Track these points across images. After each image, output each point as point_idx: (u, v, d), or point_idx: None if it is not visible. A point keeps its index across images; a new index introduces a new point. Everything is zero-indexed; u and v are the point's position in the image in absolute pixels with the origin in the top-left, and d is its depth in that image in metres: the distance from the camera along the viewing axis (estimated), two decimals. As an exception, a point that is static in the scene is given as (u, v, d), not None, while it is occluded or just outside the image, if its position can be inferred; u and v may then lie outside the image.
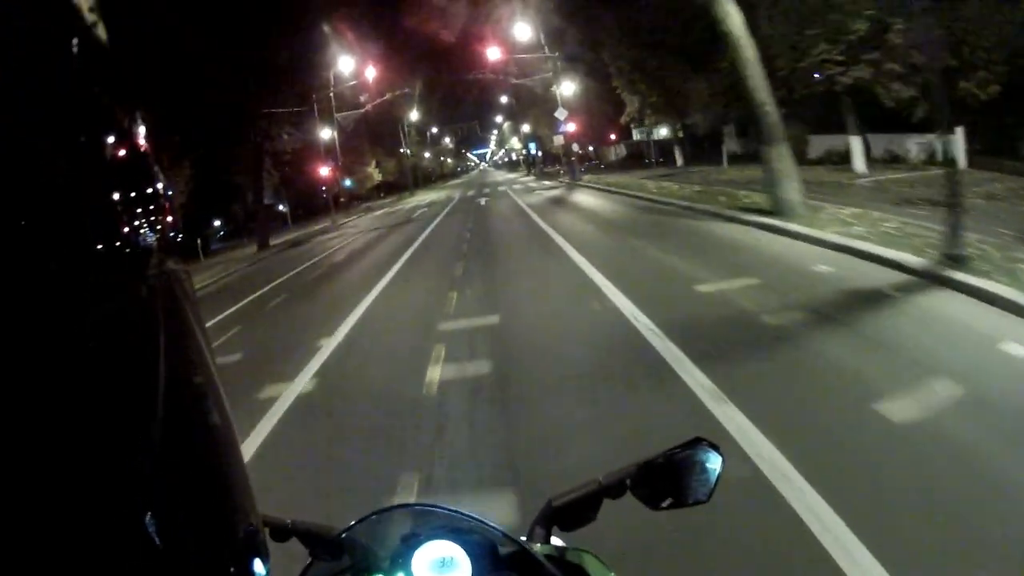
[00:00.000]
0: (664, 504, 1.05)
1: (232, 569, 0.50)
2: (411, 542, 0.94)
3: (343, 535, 1.00)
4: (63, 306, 0.40)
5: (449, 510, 0.98)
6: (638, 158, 49.79)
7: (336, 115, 39.82)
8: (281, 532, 1.05)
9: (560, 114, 37.55)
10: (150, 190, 0.53)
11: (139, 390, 0.45)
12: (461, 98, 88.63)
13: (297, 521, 1.06)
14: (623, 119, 38.11)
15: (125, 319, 0.45)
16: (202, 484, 0.50)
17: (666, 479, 1.05)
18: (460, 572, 0.92)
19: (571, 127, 37.77)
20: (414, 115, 70.79)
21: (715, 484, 1.05)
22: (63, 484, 0.38)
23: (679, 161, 34.70)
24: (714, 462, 1.05)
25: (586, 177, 35.51)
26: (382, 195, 72.38)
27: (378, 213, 39.56)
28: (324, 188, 38.29)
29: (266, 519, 1.02)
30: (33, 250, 0.39)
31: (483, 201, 30.59)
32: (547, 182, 40.10)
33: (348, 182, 42.04)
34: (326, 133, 40.23)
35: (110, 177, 0.48)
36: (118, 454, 0.42)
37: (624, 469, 1.08)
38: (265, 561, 0.56)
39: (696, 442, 1.06)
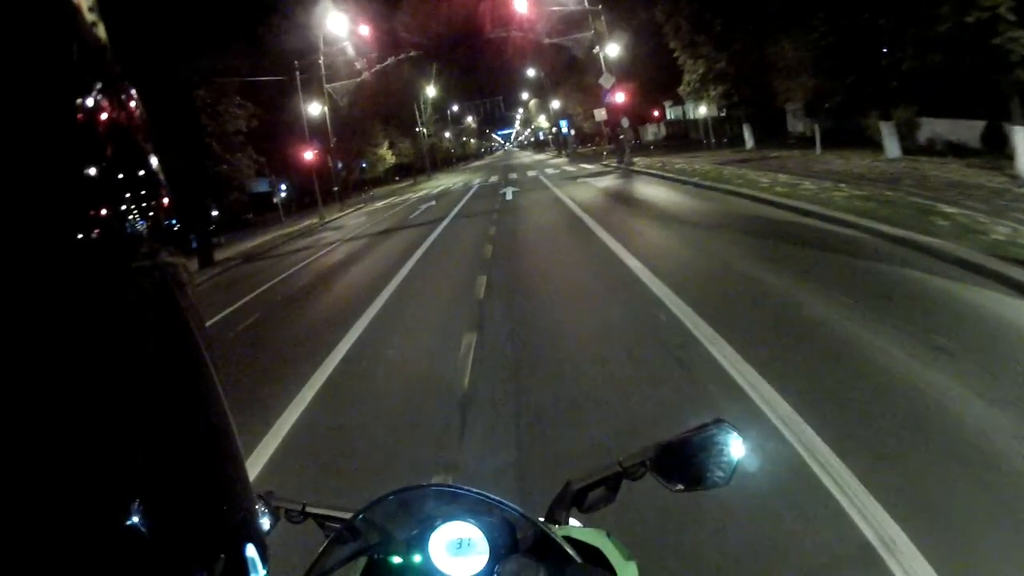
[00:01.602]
0: (682, 486, 1.01)
1: (223, 556, 0.49)
2: (428, 524, 0.92)
3: (359, 517, 0.95)
4: (37, 300, 0.38)
5: (467, 491, 0.93)
6: (680, 138, 41.32)
7: (327, 86, 31.46)
8: (296, 515, 1.04)
9: (606, 80, 28.84)
10: (141, 171, 0.48)
11: (122, 386, 0.42)
12: (483, 67, 79.82)
13: (312, 504, 1.04)
14: (681, 89, 29.02)
15: (109, 315, 0.42)
16: (192, 473, 0.48)
17: (686, 461, 1.01)
18: (478, 553, 0.90)
19: (620, 97, 28.89)
20: (431, 91, 62.27)
21: (735, 467, 1.01)
22: (43, 476, 0.37)
23: (748, 142, 25.98)
24: (734, 445, 1.00)
25: (638, 160, 26.91)
26: (397, 179, 64.34)
27: (378, 206, 31.22)
28: (313, 175, 30.06)
29: (281, 502, 1.04)
30: (3, 238, 0.37)
31: (509, 194, 22.06)
32: (588, 166, 31.41)
33: (331, 170, 33.61)
34: (315, 108, 31.93)
35: (93, 153, 0.43)
36: (99, 445, 0.40)
37: (644, 451, 1.03)
38: (260, 547, 0.54)
39: (716, 423, 1.01)
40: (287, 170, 38.75)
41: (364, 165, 56.25)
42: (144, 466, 0.42)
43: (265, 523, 1.05)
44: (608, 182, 20.92)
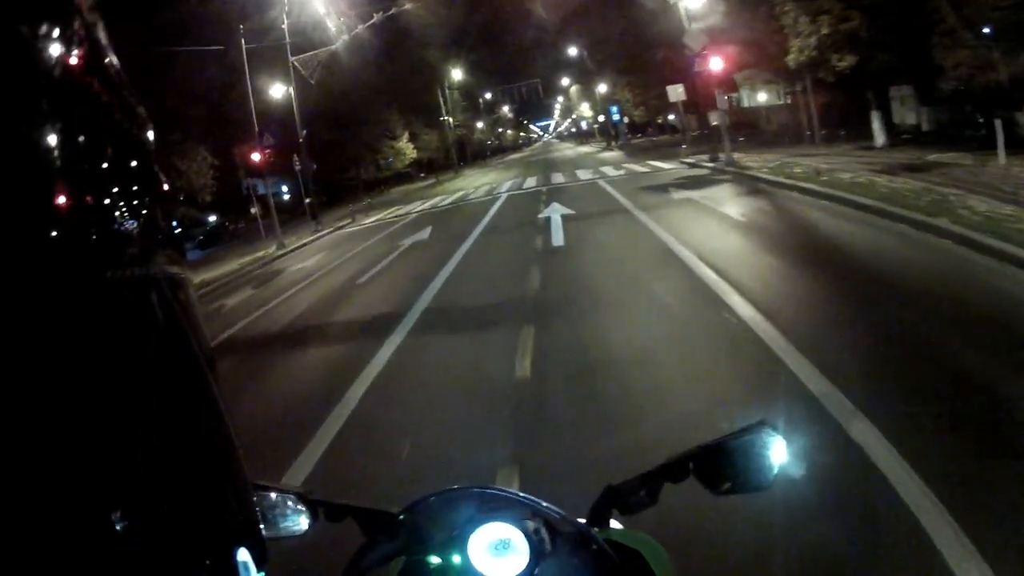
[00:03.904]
0: (724, 488, 0.97)
1: (208, 561, 0.46)
2: (468, 525, 0.90)
3: (400, 516, 0.94)
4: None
5: (508, 492, 0.92)
6: (747, 127, 30.30)
7: (293, 59, 21.39)
8: (336, 513, 1.00)
9: (693, 40, 18.51)
10: (135, 161, 0.41)
11: (102, 396, 0.39)
12: (518, 45, 69.29)
13: (352, 503, 1.00)
14: (791, 58, 17.80)
15: (82, 328, 0.37)
16: (178, 480, 0.45)
17: (728, 464, 0.97)
18: (517, 555, 0.88)
19: (715, 64, 18.18)
20: (457, 74, 52.02)
21: (777, 471, 0.96)
22: (20, 486, 0.35)
23: (879, 137, 15.65)
24: (777, 448, 0.96)
25: (741, 158, 16.86)
26: (422, 175, 54.42)
27: (367, 223, 20.98)
28: (263, 177, 20.05)
29: (321, 501, 1.01)
30: None
31: (557, 226, 11.49)
32: (663, 164, 20.75)
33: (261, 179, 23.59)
34: (278, 90, 21.96)
35: (65, 132, 0.36)
36: (77, 454, 0.37)
37: (686, 452, 0.99)
38: (255, 550, 0.51)
39: (759, 425, 0.97)
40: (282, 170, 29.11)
41: (381, 161, 46.54)
42: (127, 475, 0.40)
43: (303, 522, 0.98)
44: (744, 204, 10.45)
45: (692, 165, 19.00)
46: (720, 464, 0.97)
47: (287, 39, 20.83)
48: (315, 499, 1.01)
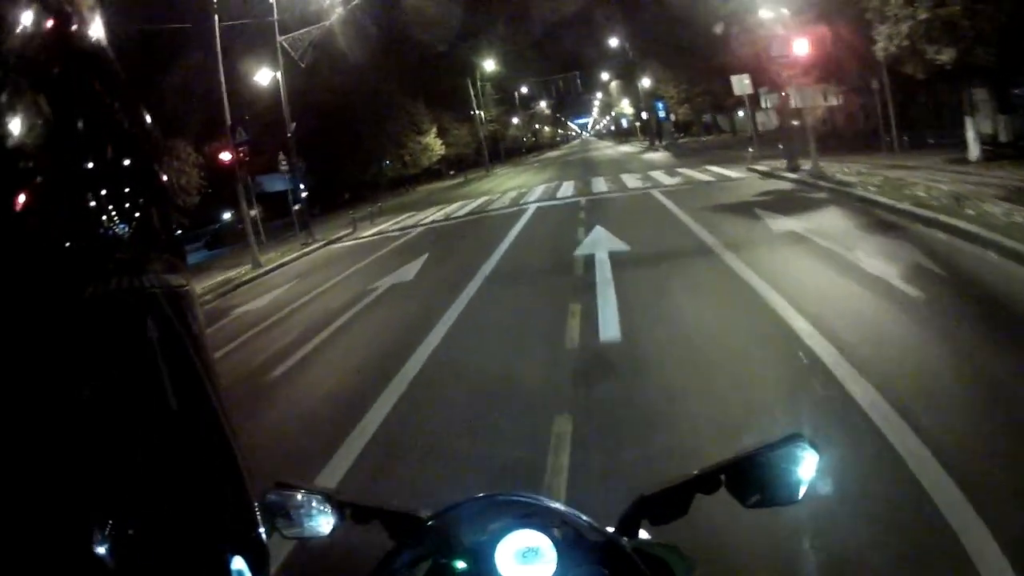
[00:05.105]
0: (753, 500, 0.94)
1: (202, 570, 0.45)
2: (496, 531, 0.87)
3: (428, 522, 0.92)
4: None
5: (537, 501, 0.90)
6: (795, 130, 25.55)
7: (280, 39, 17.55)
8: (363, 515, 0.99)
9: (772, 18, 14.48)
10: (127, 159, 0.37)
11: (87, 411, 0.37)
12: (557, 32, 65.05)
13: (381, 505, 1.00)
14: (878, 48, 13.00)
15: (57, 335, 0.35)
16: (171, 495, 0.43)
17: (759, 476, 0.94)
18: (545, 563, 0.84)
19: (800, 47, 13.81)
20: (489, 64, 47.82)
21: (807, 485, 0.94)
22: (13, 495, 0.34)
23: (973, 149, 11.06)
24: (810, 461, 0.93)
25: (831, 170, 12.57)
26: (452, 173, 50.68)
27: (367, 235, 17.12)
28: (240, 181, 16.21)
29: (348, 502, 1.00)
30: None
31: (603, 283, 7.36)
32: (728, 172, 16.40)
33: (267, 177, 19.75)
34: (264, 75, 18.16)
35: (45, 122, 0.33)
36: (67, 468, 0.36)
37: (718, 464, 0.95)
38: (254, 557, 0.49)
39: (791, 439, 0.93)
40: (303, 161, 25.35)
41: (407, 157, 42.72)
42: (120, 488, 0.38)
43: (329, 523, 0.96)
44: (884, 252, 6.15)
45: (766, 174, 14.88)
46: (752, 476, 0.94)
47: (275, 16, 16.97)
48: (342, 500, 0.99)
